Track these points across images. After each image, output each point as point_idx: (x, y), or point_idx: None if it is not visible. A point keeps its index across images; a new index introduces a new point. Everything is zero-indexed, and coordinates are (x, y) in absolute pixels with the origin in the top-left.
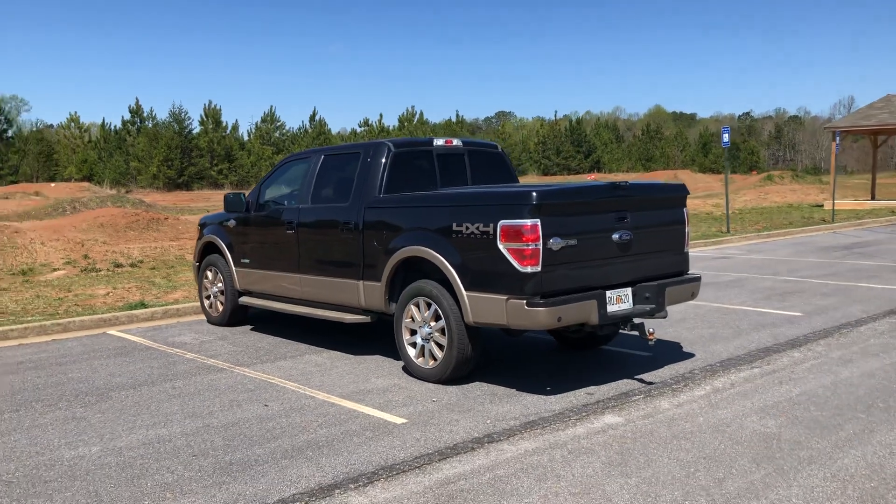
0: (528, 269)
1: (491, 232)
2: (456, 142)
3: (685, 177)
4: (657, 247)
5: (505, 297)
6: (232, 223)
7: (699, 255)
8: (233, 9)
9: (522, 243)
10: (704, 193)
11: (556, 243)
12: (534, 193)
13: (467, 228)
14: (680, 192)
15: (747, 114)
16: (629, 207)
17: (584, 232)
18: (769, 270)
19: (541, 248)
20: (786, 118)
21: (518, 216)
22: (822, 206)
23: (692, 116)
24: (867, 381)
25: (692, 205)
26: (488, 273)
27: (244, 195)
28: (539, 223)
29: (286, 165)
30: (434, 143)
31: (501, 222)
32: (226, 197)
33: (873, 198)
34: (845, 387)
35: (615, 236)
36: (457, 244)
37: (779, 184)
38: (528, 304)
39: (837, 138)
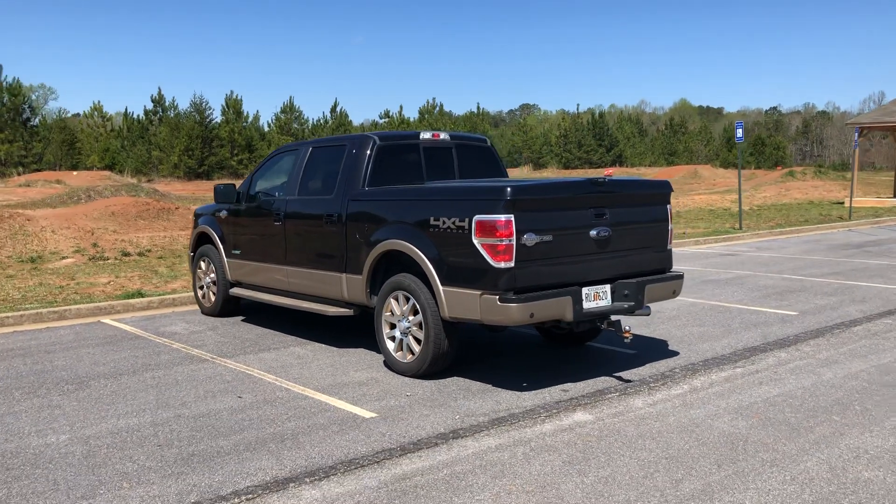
0: (502, 265)
1: (466, 227)
2: (443, 135)
3: (706, 172)
4: (638, 244)
5: (479, 293)
6: (224, 214)
7: (706, 251)
8: None
9: (496, 239)
10: (725, 189)
11: (530, 239)
12: (508, 189)
13: (444, 223)
14: (663, 189)
15: (775, 108)
16: (608, 204)
17: (561, 228)
18: (774, 268)
19: (514, 243)
20: (814, 113)
21: (492, 211)
22: (843, 203)
23: (719, 111)
24: (849, 382)
25: (710, 200)
26: (463, 268)
27: (235, 186)
28: (513, 219)
29: (276, 157)
30: (421, 137)
31: (476, 217)
32: (216, 188)
33: None
34: (825, 388)
35: (593, 233)
36: (434, 238)
37: (801, 180)
38: (500, 300)
39: (856, 134)
